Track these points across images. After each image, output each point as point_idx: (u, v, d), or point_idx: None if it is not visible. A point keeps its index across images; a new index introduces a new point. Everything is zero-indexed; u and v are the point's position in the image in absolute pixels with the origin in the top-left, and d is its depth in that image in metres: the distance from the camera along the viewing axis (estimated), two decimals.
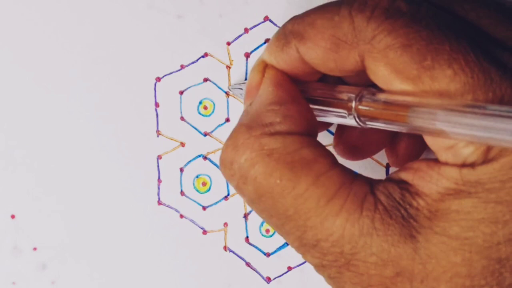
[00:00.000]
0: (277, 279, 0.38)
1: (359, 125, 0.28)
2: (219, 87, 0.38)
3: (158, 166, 0.38)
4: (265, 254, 0.38)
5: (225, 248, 0.38)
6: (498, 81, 0.25)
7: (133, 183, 0.38)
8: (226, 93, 0.38)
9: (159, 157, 0.38)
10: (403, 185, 0.27)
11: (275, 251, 0.38)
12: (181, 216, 0.38)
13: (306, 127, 0.28)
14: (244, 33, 0.38)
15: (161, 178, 0.38)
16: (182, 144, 0.38)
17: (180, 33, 0.38)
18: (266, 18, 0.37)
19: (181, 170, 0.38)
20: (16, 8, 0.38)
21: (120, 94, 0.38)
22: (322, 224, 0.27)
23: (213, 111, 0.38)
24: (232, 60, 0.38)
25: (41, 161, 0.38)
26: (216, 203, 0.38)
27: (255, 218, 0.38)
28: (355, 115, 0.28)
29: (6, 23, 0.38)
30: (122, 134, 0.38)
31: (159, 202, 0.38)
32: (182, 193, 0.38)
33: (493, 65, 0.25)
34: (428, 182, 0.26)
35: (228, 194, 0.38)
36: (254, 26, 0.38)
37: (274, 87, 0.29)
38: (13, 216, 0.38)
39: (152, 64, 0.38)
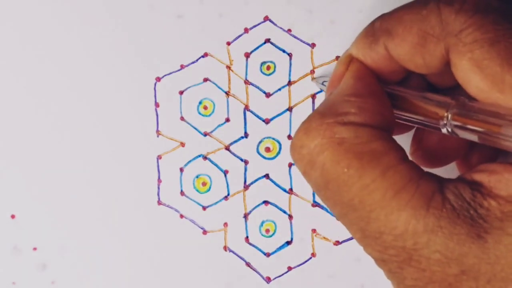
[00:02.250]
0: (277, 279, 0.38)
1: (451, 134, 0.28)
2: (219, 87, 0.38)
3: (158, 166, 0.38)
4: (265, 254, 0.38)
5: (225, 248, 0.38)
6: None
7: (133, 183, 0.38)
8: (226, 93, 0.38)
9: (159, 157, 0.38)
10: (475, 186, 0.27)
11: (275, 251, 0.38)
12: (181, 216, 0.38)
13: (381, 122, 0.28)
14: (244, 33, 0.38)
15: (161, 178, 0.38)
16: (182, 144, 0.38)
17: (180, 33, 0.38)
18: (266, 18, 0.37)
19: (181, 170, 0.38)
20: (16, 8, 0.38)
21: (120, 94, 0.38)
22: (386, 217, 0.27)
23: (213, 111, 0.38)
24: (232, 60, 0.38)
25: (41, 161, 0.38)
26: (216, 203, 0.38)
27: (255, 218, 0.38)
28: (449, 125, 0.28)
29: (6, 23, 0.38)
30: (122, 134, 0.38)
31: (159, 202, 0.38)
32: (182, 193, 0.38)
33: None
34: (504, 184, 0.26)
35: (228, 194, 0.38)
36: (254, 26, 0.38)
37: (354, 79, 0.30)
38: (13, 216, 0.38)
39: (152, 64, 0.38)
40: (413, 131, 0.34)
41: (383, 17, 0.30)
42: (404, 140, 0.33)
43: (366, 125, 0.28)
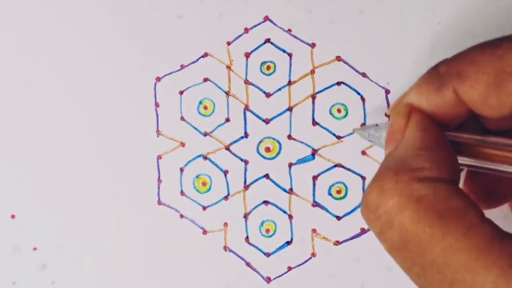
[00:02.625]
0: (277, 279, 0.38)
1: None
2: (219, 87, 0.38)
3: (158, 166, 0.38)
4: (265, 254, 0.38)
5: (225, 248, 0.38)
6: None
7: (133, 183, 0.38)
8: (226, 93, 0.38)
9: (159, 157, 0.38)
10: None
11: (275, 251, 0.38)
12: (181, 216, 0.38)
13: (454, 175, 0.28)
14: (244, 33, 0.38)
15: (161, 178, 0.38)
16: (182, 144, 0.38)
17: (180, 33, 0.38)
18: (266, 18, 0.37)
19: (181, 170, 0.38)
20: (16, 8, 0.38)
21: (120, 94, 0.38)
22: (473, 278, 0.25)
23: (213, 111, 0.38)
24: (232, 60, 0.38)
25: (41, 161, 0.38)
26: (216, 203, 0.38)
27: (255, 218, 0.38)
28: None
29: (6, 22, 0.38)
30: (122, 134, 0.38)
31: (159, 202, 0.38)
32: (182, 193, 0.38)
33: None
34: None
35: (228, 194, 0.38)
36: (254, 26, 0.38)
37: (421, 131, 0.29)
38: (13, 216, 0.38)
39: (152, 64, 0.38)
40: (463, 172, 0.33)
41: (449, 61, 0.29)
42: None
43: (442, 180, 0.27)
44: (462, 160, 0.30)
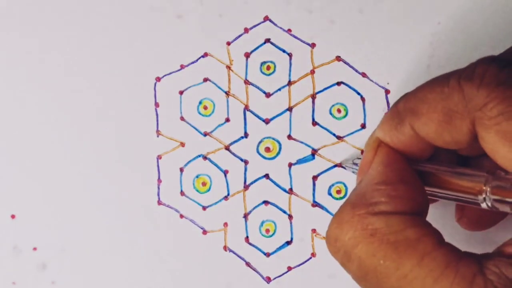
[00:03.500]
0: (277, 279, 0.38)
1: (490, 208, 0.28)
2: (219, 87, 0.38)
3: (158, 166, 0.38)
4: (265, 254, 0.38)
5: (225, 248, 0.38)
6: None
7: (133, 183, 0.38)
8: (226, 93, 0.38)
9: (159, 157, 0.38)
10: None
11: (275, 251, 0.38)
12: (181, 216, 0.38)
13: (413, 207, 0.28)
14: (244, 33, 0.38)
15: (161, 178, 0.38)
16: (182, 144, 0.38)
17: (180, 33, 0.38)
18: (266, 18, 0.37)
19: (181, 170, 0.38)
20: (16, 8, 0.38)
21: (120, 94, 0.38)
22: None
23: (213, 111, 0.38)
24: (232, 60, 0.38)
25: (41, 161, 0.38)
26: (216, 203, 0.38)
27: (255, 218, 0.38)
28: (488, 200, 0.28)
29: (6, 22, 0.38)
30: (122, 134, 0.38)
31: (159, 202, 0.38)
32: (182, 193, 0.38)
33: None
34: None
35: (228, 194, 0.38)
36: (254, 26, 0.38)
37: (383, 166, 0.30)
38: (13, 216, 0.38)
39: (152, 64, 0.38)
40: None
41: (406, 98, 0.30)
42: None
43: (397, 213, 0.28)
44: (435, 190, 0.30)
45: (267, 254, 0.38)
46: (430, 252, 0.27)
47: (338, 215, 0.29)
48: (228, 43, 0.38)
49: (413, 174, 0.30)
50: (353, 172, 0.36)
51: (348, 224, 0.28)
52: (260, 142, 0.38)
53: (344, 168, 0.37)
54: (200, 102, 0.38)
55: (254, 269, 0.38)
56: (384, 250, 0.27)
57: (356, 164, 0.36)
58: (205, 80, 0.38)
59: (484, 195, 0.28)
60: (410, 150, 0.30)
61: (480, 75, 0.27)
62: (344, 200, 0.37)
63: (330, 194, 0.37)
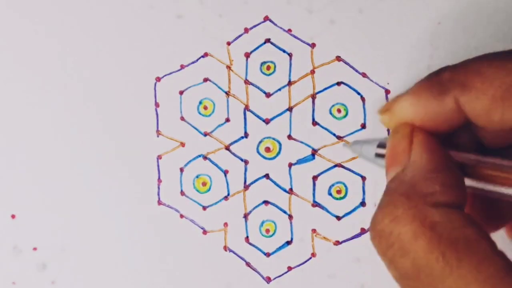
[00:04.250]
0: (277, 279, 0.38)
1: None
2: (219, 87, 0.38)
3: (158, 166, 0.38)
4: (265, 254, 0.38)
5: (225, 248, 0.38)
6: None
7: (133, 183, 0.38)
8: (226, 93, 0.38)
9: (159, 157, 0.38)
10: None
11: (275, 251, 0.38)
12: (181, 216, 0.38)
13: (462, 198, 0.27)
14: (244, 33, 0.38)
15: (161, 178, 0.38)
16: (182, 144, 0.38)
17: (180, 33, 0.38)
18: (266, 18, 0.37)
19: (181, 170, 0.38)
20: (16, 8, 0.38)
21: (120, 94, 0.38)
22: None
23: (213, 111, 0.38)
24: (232, 60, 0.38)
25: (41, 161, 0.38)
26: (216, 203, 0.38)
27: (255, 218, 0.38)
28: None
29: (6, 22, 0.38)
30: (122, 134, 0.38)
31: (159, 202, 0.38)
32: (182, 193, 0.38)
33: None
34: None
35: (228, 194, 0.38)
36: (254, 26, 0.38)
37: (428, 153, 0.28)
38: (13, 216, 0.38)
39: (152, 64, 0.38)
40: None
41: (454, 69, 0.28)
42: None
43: (455, 206, 0.27)
44: (477, 186, 0.29)
45: (267, 254, 0.38)
46: (490, 256, 0.26)
47: (390, 207, 0.27)
48: (228, 43, 0.38)
49: (453, 162, 0.29)
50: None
51: (404, 216, 0.26)
52: (260, 142, 0.38)
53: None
54: (200, 102, 0.38)
55: (254, 269, 0.38)
56: (444, 247, 0.26)
57: (380, 156, 0.33)
58: (205, 80, 0.38)
59: None
60: (438, 123, 0.29)
61: None
62: (343, 200, 0.37)
63: (330, 194, 0.37)
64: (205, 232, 0.38)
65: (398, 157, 0.29)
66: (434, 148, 0.28)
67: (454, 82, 0.28)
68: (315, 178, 0.37)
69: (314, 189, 0.37)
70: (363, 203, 0.37)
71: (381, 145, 0.32)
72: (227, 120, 0.38)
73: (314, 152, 0.37)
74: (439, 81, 0.28)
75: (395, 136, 0.30)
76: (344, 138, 0.37)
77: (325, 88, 0.37)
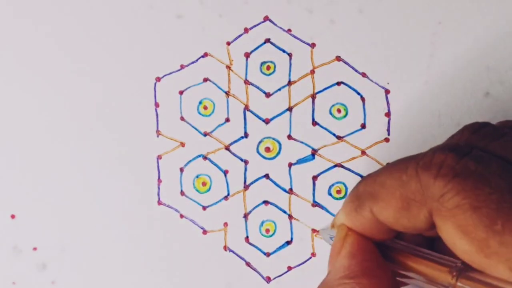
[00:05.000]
0: (277, 279, 0.38)
1: None
2: (219, 87, 0.38)
3: (158, 166, 0.38)
4: (265, 254, 0.38)
5: (225, 248, 0.38)
6: None
7: (133, 183, 0.38)
8: (226, 93, 0.38)
9: (159, 157, 0.38)
10: None
11: (275, 251, 0.38)
12: (181, 216, 0.38)
13: None
14: (244, 33, 0.38)
15: (161, 178, 0.38)
16: (182, 144, 0.38)
17: (180, 33, 0.38)
18: (266, 18, 0.37)
19: (181, 170, 0.38)
20: (16, 8, 0.38)
21: (120, 94, 0.38)
22: None
23: (213, 111, 0.38)
24: (232, 60, 0.38)
25: (41, 161, 0.38)
26: (216, 203, 0.38)
27: (255, 218, 0.38)
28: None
29: (5, 22, 0.38)
30: (122, 134, 0.38)
31: (159, 202, 0.38)
32: (182, 193, 0.38)
33: None
34: None
35: (228, 194, 0.38)
36: (254, 26, 0.38)
37: (348, 259, 0.30)
38: (13, 216, 0.38)
39: (152, 64, 0.38)
40: None
41: (366, 181, 0.30)
42: None
43: None
44: (404, 273, 0.30)
45: (267, 254, 0.38)
46: None
47: None
48: (228, 43, 0.38)
49: (380, 263, 0.30)
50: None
51: None
52: (260, 142, 0.38)
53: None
54: (200, 102, 0.38)
55: (254, 269, 0.38)
56: None
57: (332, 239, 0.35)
58: (205, 80, 0.38)
59: (453, 282, 0.28)
60: (371, 232, 0.30)
61: (438, 165, 0.27)
62: (343, 200, 0.37)
63: (330, 194, 0.37)
64: (205, 232, 0.38)
65: (332, 259, 0.31)
66: (357, 253, 0.30)
67: (367, 194, 0.30)
68: (315, 178, 0.37)
69: (314, 189, 0.37)
70: None
71: None
72: (227, 120, 0.38)
73: (314, 152, 0.37)
74: (356, 194, 0.30)
75: (335, 238, 0.32)
76: (344, 138, 0.37)
77: (325, 88, 0.37)
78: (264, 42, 0.38)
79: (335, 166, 0.37)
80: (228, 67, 0.38)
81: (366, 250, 0.30)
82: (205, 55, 0.38)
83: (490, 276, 0.26)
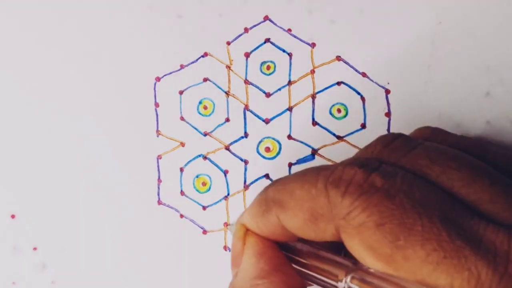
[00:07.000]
0: None
1: None
2: (219, 87, 0.38)
3: (158, 166, 0.38)
4: None
5: (225, 248, 0.38)
6: (473, 260, 0.25)
7: (133, 183, 0.38)
8: (226, 93, 0.38)
9: (159, 157, 0.38)
10: None
11: None
12: (181, 216, 0.38)
13: None
14: (244, 32, 0.38)
15: (161, 178, 0.38)
16: (182, 144, 0.38)
17: (180, 33, 0.38)
18: (266, 18, 0.37)
19: (181, 170, 0.38)
20: (16, 8, 0.38)
21: (120, 94, 0.38)
22: None
23: (213, 111, 0.38)
24: (232, 60, 0.38)
25: (41, 161, 0.38)
26: (216, 203, 0.38)
27: None
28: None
29: (5, 22, 0.38)
30: (122, 134, 0.38)
31: (159, 202, 0.38)
32: (182, 193, 0.38)
33: (467, 242, 0.25)
34: None
35: (228, 194, 0.38)
36: (254, 26, 0.38)
37: (256, 258, 0.30)
38: (13, 216, 0.38)
39: (152, 64, 0.38)
40: None
41: (276, 186, 0.30)
42: None
43: None
44: (303, 272, 0.30)
45: None
46: None
47: None
48: (228, 43, 0.38)
49: (286, 260, 0.30)
50: None
51: None
52: (260, 142, 0.38)
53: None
54: (200, 102, 0.38)
55: None
56: None
57: None
58: (205, 80, 0.38)
59: (344, 283, 0.28)
60: (276, 237, 0.30)
61: (346, 182, 0.27)
62: None
63: None
64: (205, 232, 0.38)
65: (236, 260, 0.31)
66: (263, 251, 0.30)
67: (275, 201, 0.29)
68: None
69: None
70: None
71: None
72: (227, 120, 0.38)
73: (314, 152, 0.37)
74: (265, 198, 0.30)
75: (234, 238, 0.31)
76: (344, 138, 0.37)
77: (325, 88, 0.37)
78: (264, 42, 0.38)
79: None
80: (228, 67, 0.38)
81: (271, 248, 0.30)
82: (205, 55, 0.38)
83: (382, 277, 0.27)
